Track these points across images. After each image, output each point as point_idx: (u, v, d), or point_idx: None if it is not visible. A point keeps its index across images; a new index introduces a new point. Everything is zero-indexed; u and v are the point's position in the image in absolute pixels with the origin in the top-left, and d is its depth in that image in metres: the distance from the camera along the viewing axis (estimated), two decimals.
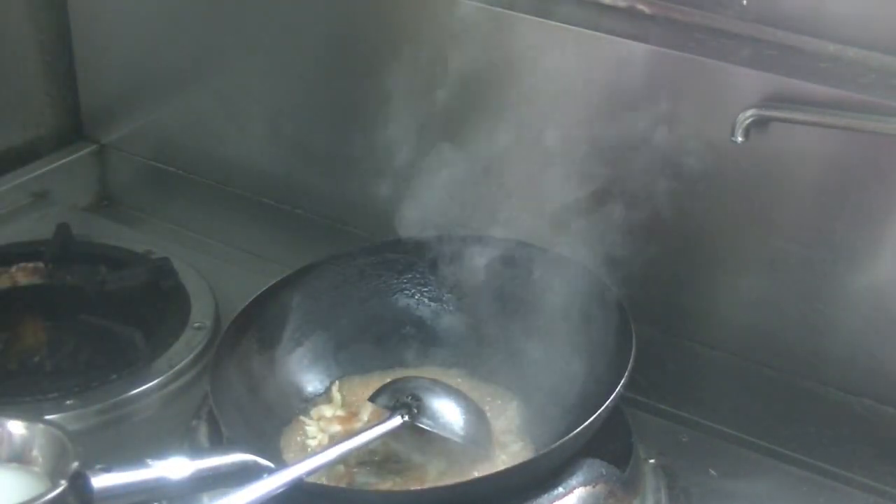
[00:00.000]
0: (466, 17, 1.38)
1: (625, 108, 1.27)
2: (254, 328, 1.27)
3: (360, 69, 1.49)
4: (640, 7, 1.32)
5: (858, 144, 1.20)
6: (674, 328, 1.36)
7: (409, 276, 1.35)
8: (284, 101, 1.57)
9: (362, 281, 1.34)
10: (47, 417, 1.23)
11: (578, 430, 1.11)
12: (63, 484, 1.07)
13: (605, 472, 1.15)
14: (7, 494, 1.09)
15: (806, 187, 1.25)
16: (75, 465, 1.09)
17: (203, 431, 1.24)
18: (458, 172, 1.44)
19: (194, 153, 1.68)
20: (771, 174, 1.26)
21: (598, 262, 1.25)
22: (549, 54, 1.33)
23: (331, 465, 1.16)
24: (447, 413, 1.19)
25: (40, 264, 1.52)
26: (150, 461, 1.05)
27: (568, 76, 1.31)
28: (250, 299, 1.28)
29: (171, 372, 1.36)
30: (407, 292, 1.35)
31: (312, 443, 1.24)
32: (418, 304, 1.35)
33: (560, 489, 1.13)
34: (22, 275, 1.53)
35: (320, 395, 1.30)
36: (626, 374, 1.15)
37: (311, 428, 1.26)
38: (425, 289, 1.35)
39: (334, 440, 1.22)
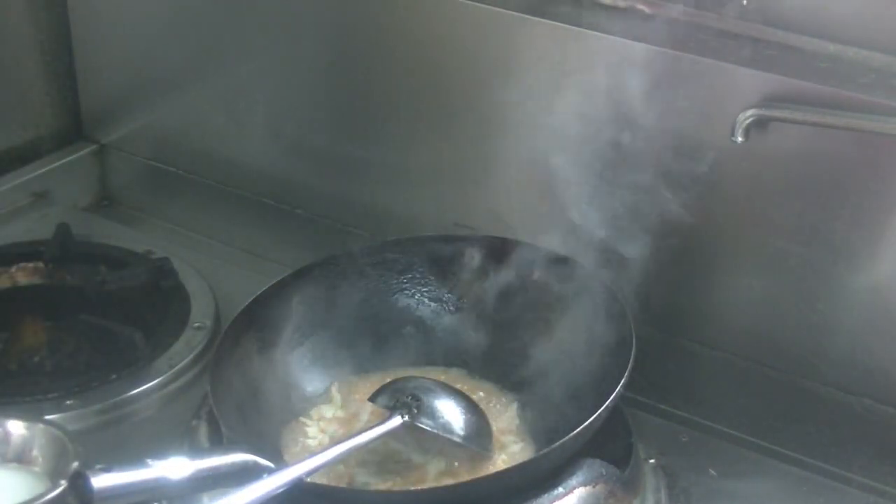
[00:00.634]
0: (466, 18, 1.38)
1: (624, 108, 1.27)
2: (254, 328, 1.27)
3: (361, 69, 1.49)
4: (640, 7, 1.32)
5: (858, 144, 1.20)
6: (674, 328, 1.36)
7: (409, 276, 1.35)
8: (284, 101, 1.57)
9: (362, 281, 1.34)
10: (47, 417, 1.22)
11: (578, 430, 1.11)
12: (63, 484, 1.06)
13: (605, 472, 1.15)
14: (7, 494, 1.09)
15: (806, 187, 1.25)
16: (75, 465, 1.08)
17: (203, 431, 1.24)
18: (457, 172, 1.45)
19: (194, 153, 1.68)
20: (771, 174, 1.26)
21: (598, 263, 1.25)
22: (549, 54, 1.33)
23: (331, 465, 1.16)
24: (447, 413, 1.19)
25: (40, 264, 1.52)
26: (150, 461, 1.05)
27: (567, 76, 1.31)
28: (250, 299, 1.28)
29: (171, 372, 1.36)
30: (407, 292, 1.35)
31: (312, 443, 1.24)
32: (418, 304, 1.35)
33: (560, 489, 1.13)
34: (22, 275, 1.53)
35: (320, 395, 1.30)
36: (626, 374, 1.15)
37: (311, 428, 1.26)
38: (425, 289, 1.35)
39: (334, 440, 1.22)
